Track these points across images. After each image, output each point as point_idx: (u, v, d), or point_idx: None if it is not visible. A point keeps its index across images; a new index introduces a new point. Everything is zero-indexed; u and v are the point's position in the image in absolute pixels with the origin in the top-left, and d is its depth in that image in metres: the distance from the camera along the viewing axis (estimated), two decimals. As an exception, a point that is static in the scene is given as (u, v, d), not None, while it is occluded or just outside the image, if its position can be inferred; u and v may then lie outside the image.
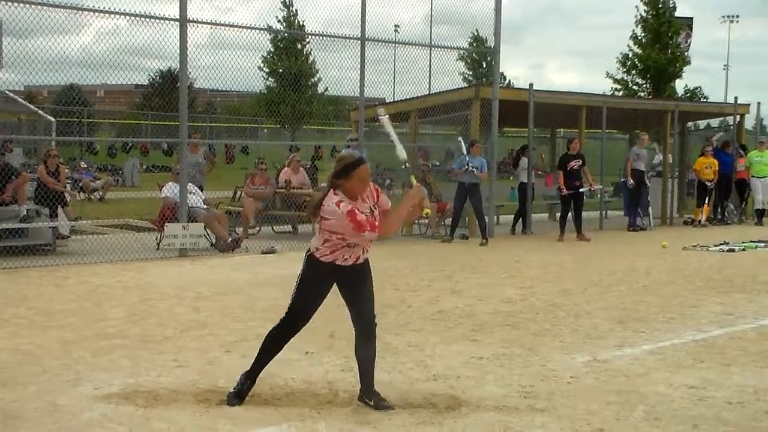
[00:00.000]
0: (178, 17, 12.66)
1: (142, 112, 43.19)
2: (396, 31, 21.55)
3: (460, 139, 16.03)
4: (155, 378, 6.04)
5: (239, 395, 5.46)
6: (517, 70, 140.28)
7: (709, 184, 19.26)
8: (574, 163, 16.24)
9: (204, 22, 13.47)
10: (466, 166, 15.25)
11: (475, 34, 23.58)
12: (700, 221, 19.20)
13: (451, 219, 16.03)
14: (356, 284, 5.44)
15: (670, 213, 20.19)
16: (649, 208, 18.74)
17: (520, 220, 17.53)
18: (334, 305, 5.59)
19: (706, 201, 19.34)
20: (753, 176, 20.23)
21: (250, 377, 5.52)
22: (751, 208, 20.93)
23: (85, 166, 28.49)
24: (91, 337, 7.34)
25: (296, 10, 34.33)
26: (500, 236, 16.63)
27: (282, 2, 35.05)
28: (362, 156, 5.27)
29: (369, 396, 5.45)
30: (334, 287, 5.46)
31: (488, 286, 10.56)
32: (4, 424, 5.01)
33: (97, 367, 6.34)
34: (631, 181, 18.16)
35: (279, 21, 34.61)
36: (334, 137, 39.02)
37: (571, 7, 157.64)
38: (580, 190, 16.18)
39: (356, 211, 5.13)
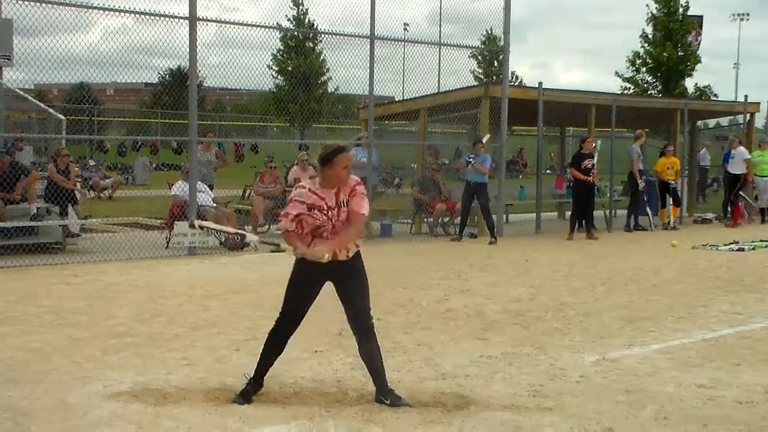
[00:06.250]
0: (186, 15, 12.67)
1: (151, 111, 43.25)
2: (405, 29, 21.54)
3: (488, 136, 15.97)
4: (165, 376, 6.05)
5: (245, 396, 5.47)
6: (522, 68, 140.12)
7: (672, 184, 18.71)
8: (588, 162, 16.20)
9: (214, 21, 13.46)
10: (468, 160, 15.28)
11: (488, 32, 23.52)
12: (668, 224, 18.59)
13: (459, 218, 16.02)
14: (343, 281, 5.45)
15: (679, 212, 20.10)
16: (648, 209, 18.50)
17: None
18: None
19: (669, 202, 18.73)
20: (757, 175, 20.09)
21: (255, 379, 5.54)
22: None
23: (94, 164, 28.57)
24: (100, 335, 7.36)
25: (306, 9, 34.33)
26: (509, 235, 16.59)
27: (292, 1, 35.06)
28: (344, 145, 5.40)
29: (384, 394, 5.46)
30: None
31: (497, 285, 10.56)
32: (14, 421, 5.03)
33: (106, 365, 6.36)
34: (643, 183, 17.96)
35: (289, 19, 34.60)
36: (344, 136, 39.03)
37: (575, 6, 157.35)
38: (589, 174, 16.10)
39: (298, 201, 5.27)
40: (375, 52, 15.12)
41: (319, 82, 37.52)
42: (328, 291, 5.53)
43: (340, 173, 5.25)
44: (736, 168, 19.75)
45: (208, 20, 13.23)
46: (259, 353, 5.60)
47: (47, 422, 5.04)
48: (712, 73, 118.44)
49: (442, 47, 17.53)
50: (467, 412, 5.34)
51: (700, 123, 24.34)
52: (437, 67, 18.09)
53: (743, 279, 11.30)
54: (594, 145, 16.55)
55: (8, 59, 13.51)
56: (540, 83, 17.74)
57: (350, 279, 5.43)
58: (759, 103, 22.98)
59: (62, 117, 16.57)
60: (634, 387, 5.98)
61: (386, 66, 20.70)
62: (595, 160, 16.25)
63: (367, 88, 15.44)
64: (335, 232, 5.30)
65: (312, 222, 5.30)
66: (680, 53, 34.62)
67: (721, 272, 11.94)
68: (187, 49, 12.77)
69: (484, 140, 15.44)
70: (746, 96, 22.42)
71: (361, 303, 5.44)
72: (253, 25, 14.26)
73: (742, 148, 19.77)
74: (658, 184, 18.85)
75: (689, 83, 35.79)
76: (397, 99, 20.71)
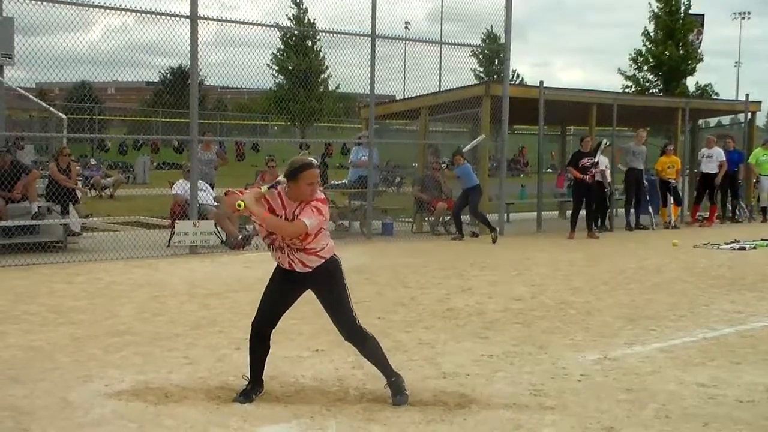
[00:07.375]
0: (187, 14, 12.67)
1: (152, 109, 43.24)
2: (406, 28, 21.54)
3: (482, 136, 16.06)
4: (166, 375, 6.06)
5: (246, 395, 5.47)
6: (523, 67, 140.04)
7: (673, 183, 18.62)
8: (587, 161, 16.19)
9: (215, 19, 13.44)
10: None
11: (489, 30, 23.54)
12: (669, 223, 18.57)
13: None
14: (318, 294, 5.47)
15: (680, 211, 20.08)
16: (649, 208, 18.48)
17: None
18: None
19: (671, 201, 18.68)
20: (761, 174, 20.04)
21: (253, 381, 5.54)
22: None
23: (95, 162, 28.59)
24: (102, 334, 7.36)
25: (306, 8, 34.35)
26: (510, 234, 16.58)
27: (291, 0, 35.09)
28: (311, 161, 5.29)
29: (389, 387, 5.47)
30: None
31: (498, 284, 10.56)
32: (15, 420, 5.03)
33: (108, 363, 6.36)
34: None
35: (289, 18, 34.61)
36: (344, 134, 39.07)
37: (575, 4, 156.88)
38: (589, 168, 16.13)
39: (267, 198, 5.26)
40: (376, 51, 15.13)
41: (319, 80, 37.54)
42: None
43: (303, 189, 5.20)
44: (708, 167, 19.51)
45: (209, 19, 13.22)
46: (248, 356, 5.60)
47: (49, 421, 5.04)
48: (714, 72, 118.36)
49: (443, 46, 17.52)
50: (468, 411, 5.34)
51: (701, 122, 24.33)
52: (438, 66, 18.11)
53: (744, 278, 11.30)
54: (602, 145, 16.50)
55: (9, 58, 13.50)
56: (541, 82, 17.73)
57: (324, 290, 5.42)
58: (760, 101, 22.99)
59: (63, 116, 16.57)
60: (635, 386, 5.98)
61: (387, 65, 20.72)
62: (596, 159, 16.20)
63: (368, 87, 15.45)
64: (287, 244, 5.29)
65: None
66: (682, 52, 34.65)
67: (723, 271, 11.93)
68: (188, 48, 12.78)
69: (467, 148, 15.62)
70: (747, 95, 22.44)
71: (339, 312, 5.42)
72: (255, 24, 14.28)
73: (718, 149, 19.58)
74: (659, 183, 18.84)
75: (690, 82, 35.86)
76: (398, 98, 20.75)
